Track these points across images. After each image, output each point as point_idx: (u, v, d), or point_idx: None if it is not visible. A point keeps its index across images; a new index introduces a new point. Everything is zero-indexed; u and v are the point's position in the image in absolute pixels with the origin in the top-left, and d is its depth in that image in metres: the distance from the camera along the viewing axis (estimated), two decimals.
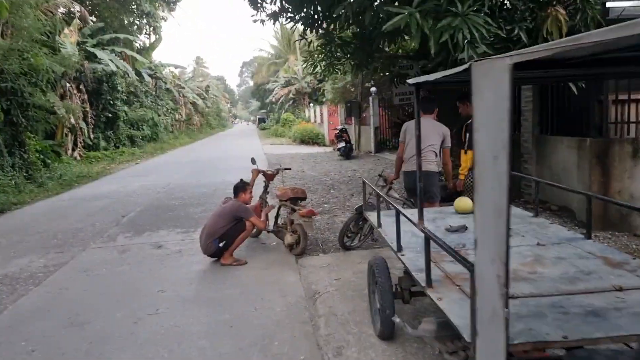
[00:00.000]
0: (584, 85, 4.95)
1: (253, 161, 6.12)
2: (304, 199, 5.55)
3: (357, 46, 7.46)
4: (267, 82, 54.59)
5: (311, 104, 38.73)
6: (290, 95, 42.28)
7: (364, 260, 4.81)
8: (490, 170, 1.29)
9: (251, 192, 5.52)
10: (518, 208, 3.85)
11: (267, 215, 6.04)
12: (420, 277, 2.16)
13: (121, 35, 22.89)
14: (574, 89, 4.76)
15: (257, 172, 5.94)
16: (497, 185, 1.25)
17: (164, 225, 7.39)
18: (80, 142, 18.74)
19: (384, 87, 18.20)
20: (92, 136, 19.68)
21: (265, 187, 6.07)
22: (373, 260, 3.04)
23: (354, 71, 8.03)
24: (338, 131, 17.01)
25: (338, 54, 7.83)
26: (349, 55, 7.83)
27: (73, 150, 18.31)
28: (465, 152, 4.73)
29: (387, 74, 8.03)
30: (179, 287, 4.51)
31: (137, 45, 28.95)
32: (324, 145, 24.83)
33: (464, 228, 2.85)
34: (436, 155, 4.75)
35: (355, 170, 12.61)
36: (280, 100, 44.29)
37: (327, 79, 21.19)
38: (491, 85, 1.25)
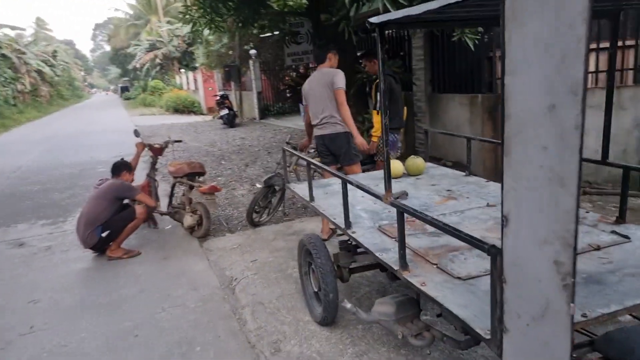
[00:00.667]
0: (476, 42, 5.04)
1: (136, 133, 5.21)
2: (203, 174, 4.89)
3: (242, 1, 6.74)
4: (127, 46, 49.31)
5: (182, 70, 36.08)
6: (157, 60, 38.81)
7: (279, 237, 4.43)
8: (540, 124, 0.97)
9: (133, 172, 4.71)
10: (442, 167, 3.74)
11: (156, 194, 5.27)
12: (388, 258, 1.83)
13: None
14: (470, 44, 4.80)
15: (142, 146, 5.07)
16: (560, 144, 0.93)
17: (21, 217, 6.09)
18: None
19: (263, 49, 17.46)
20: None
21: (153, 164, 5.24)
22: (307, 239, 2.66)
23: (239, 29, 7.31)
24: (219, 97, 15.97)
25: (220, 9, 7.02)
26: (232, 12, 7.07)
27: None
28: (378, 113, 4.51)
29: (276, 32, 7.47)
30: (57, 294, 3.65)
31: None
32: (202, 113, 23.39)
33: (404, 194, 2.60)
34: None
35: (244, 139, 11.95)
36: (146, 67, 40.44)
37: (199, 41, 19.66)
38: (549, 7, 0.90)
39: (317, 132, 4.37)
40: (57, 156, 11.27)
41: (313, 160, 2.71)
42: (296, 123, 14.06)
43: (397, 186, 2.85)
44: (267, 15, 7.15)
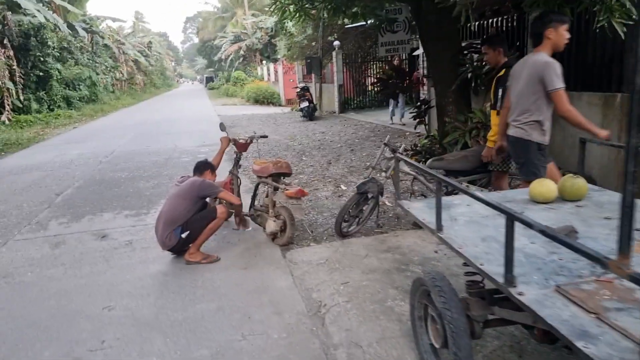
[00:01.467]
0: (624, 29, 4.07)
1: (222, 127, 4.88)
2: (289, 174, 4.45)
3: None
4: (214, 38, 51.33)
5: (263, 61, 36.64)
6: (241, 52, 39.85)
7: (371, 253, 3.86)
8: None
9: (215, 173, 4.39)
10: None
11: (238, 193, 4.92)
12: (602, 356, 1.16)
13: None
14: (619, 31, 3.87)
15: (227, 140, 4.74)
16: None
17: (108, 206, 6.08)
18: (9, 105, 16.44)
19: (346, 41, 16.92)
20: (22, 97, 17.35)
21: (237, 160, 4.90)
22: (429, 279, 2.06)
23: (330, 17, 6.80)
24: (300, 89, 15.70)
25: None
26: None
27: (0, 113, 16.03)
28: (498, 113, 3.74)
29: (369, 21, 6.87)
30: (132, 301, 3.37)
31: None
32: (280, 105, 23.42)
33: (572, 231, 1.90)
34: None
35: (324, 133, 11.52)
36: (230, 58, 41.74)
37: (282, 33, 19.55)
38: None
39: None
40: (145, 143, 11.58)
41: (445, 178, 2.08)
42: (378, 118, 13.40)
43: (552, 216, 2.14)
44: (361, 1, 6.57)
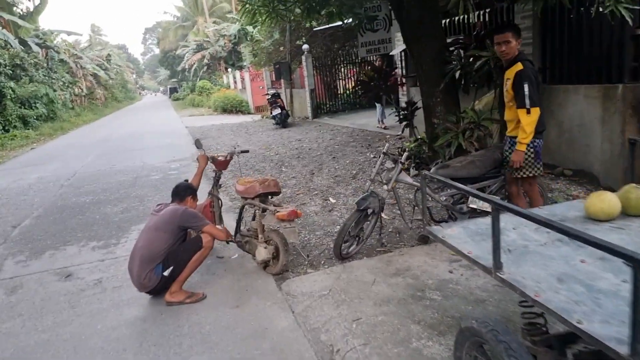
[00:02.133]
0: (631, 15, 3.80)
1: (198, 144, 4.37)
2: (278, 193, 3.97)
3: None
4: (175, 48, 50.11)
5: (229, 69, 35.87)
6: (205, 61, 38.96)
7: (379, 278, 3.43)
8: None
9: (196, 196, 3.88)
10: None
11: (220, 216, 4.42)
12: None
13: None
14: (627, 18, 3.59)
15: (205, 159, 4.23)
16: None
17: (72, 237, 5.44)
18: None
19: (315, 44, 16.55)
20: None
21: (217, 180, 4.40)
22: (486, 330, 1.63)
23: (305, 17, 6.37)
24: (270, 96, 15.18)
25: None
26: None
27: None
28: (529, 112, 3.32)
29: (346, 21, 6.46)
30: None
31: (18, 10, 24.44)
32: (250, 113, 22.83)
33: None
34: None
35: (300, 141, 11.05)
36: (194, 67, 40.74)
37: (245, 41, 19.01)
38: None
39: None
40: (110, 161, 10.83)
41: (502, 201, 1.66)
42: (354, 122, 13.05)
43: (626, 239, 1.76)
44: (336, 0, 6.16)
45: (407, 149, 4.23)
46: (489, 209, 3.64)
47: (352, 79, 17.35)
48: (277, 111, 14.40)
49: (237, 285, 3.67)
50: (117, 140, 15.49)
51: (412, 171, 3.80)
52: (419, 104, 6.32)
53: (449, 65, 5.57)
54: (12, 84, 19.79)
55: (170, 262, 3.42)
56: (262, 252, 3.71)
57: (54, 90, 25.50)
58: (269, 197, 3.97)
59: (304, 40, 15.73)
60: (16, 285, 4.20)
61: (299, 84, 17.45)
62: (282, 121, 14.39)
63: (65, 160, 11.97)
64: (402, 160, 3.78)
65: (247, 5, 6.36)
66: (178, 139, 14.25)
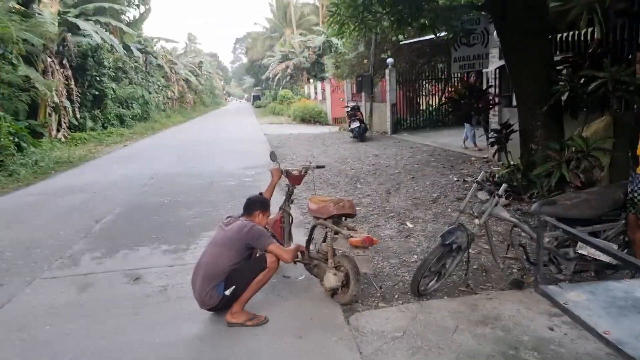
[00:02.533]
0: None
1: (273, 156, 4.19)
2: (352, 216, 3.66)
3: None
4: (262, 57, 52.08)
5: (311, 80, 36.43)
6: (288, 71, 39.97)
7: (462, 324, 2.98)
8: None
9: (268, 211, 3.65)
10: None
11: (289, 233, 4.19)
12: None
13: (106, 4, 20.50)
14: None
15: (279, 172, 4.04)
16: None
17: (146, 238, 5.51)
18: (65, 123, 16.84)
19: (399, 58, 16.15)
20: (78, 115, 17.72)
21: (289, 195, 4.18)
22: None
23: (394, 29, 6.05)
24: (350, 109, 14.98)
25: (374, 7, 5.83)
26: (388, 9, 5.84)
27: (57, 131, 16.43)
28: None
29: (439, 34, 6.05)
30: None
31: (125, 17, 26.61)
32: (327, 124, 22.84)
33: None
34: None
35: (378, 157, 10.68)
36: (277, 77, 41.96)
37: (329, 53, 19.06)
38: None
39: None
40: (191, 163, 11.18)
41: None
42: (435, 140, 12.44)
43: None
44: (430, 12, 5.78)
45: (498, 176, 3.72)
46: (603, 258, 3.05)
47: (436, 95, 16.68)
48: (356, 124, 14.14)
49: (302, 312, 3.39)
50: (200, 144, 16.10)
51: (502, 200, 3.34)
52: (515, 127, 5.72)
53: (555, 86, 4.95)
54: (113, 85, 21.47)
55: (233, 280, 3.22)
56: (332, 279, 3.40)
57: (149, 93, 27.41)
58: (343, 218, 3.66)
59: (389, 54, 15.39)
60: (88, 283, 4.25)
61: (379, 98, 17.11)
62: (360, 135, 14.11)
63: (151, 159, 12.58)
64: (500, 193, 3.28)
65: (336, 16, 6.18)
66: (255, 145, 14.49)
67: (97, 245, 5.33)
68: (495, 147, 5.90)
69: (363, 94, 17.51)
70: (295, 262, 3.97)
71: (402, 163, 9.43)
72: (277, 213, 4.24)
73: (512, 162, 5.77)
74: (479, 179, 3.47)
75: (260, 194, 3.85)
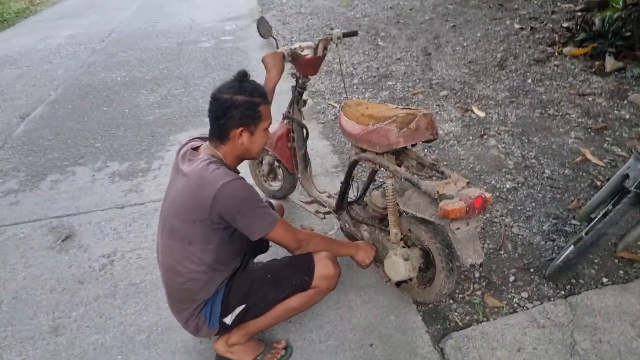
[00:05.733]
0: None
1: (263, 27, 2.10)
2: (433, 140, 1.88)
3: None
4: None
5: None
6: None
7: None
8: None
9: (268, 118, 1.69)
10: None
11: (304, 159, 2.49)
12: None
13: None
14: None
15: (279, 60, 2.01)
16: None
17: (88, 147, 3.78)
18: None
19: None
20: None
21: (299, 93, 2.33)
22: None
23: None
24: None
25: None
26: None
27: None
28: None
29: None
30: None
31: None
32: None
33: None
34: None
35: None
36: None
37: None
38: None
39: None
40: (153, 16, 8.70)
41: None
42: None
43: None
44: None
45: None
46: None
47: None
48: None
49: (347, 324, 1.88)
50: None
51: None
52: None
53: None
54: None
55: (238, 293, 1.61)
56: (400, 268, 1.81)
57: None
58: (412, 148, 1.91)
59: None
60: None
61: None
62: None
63: (105, 11, 9.94)
64: None
65: None
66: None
67: (15, 165, 3.61)
68: None
69: None
70: (322, 216, 2.35)
71: (431, 2, 7.09)
72: (280, 124, 2.45)
73: None
74: None
75: (244, 75, 1.59)
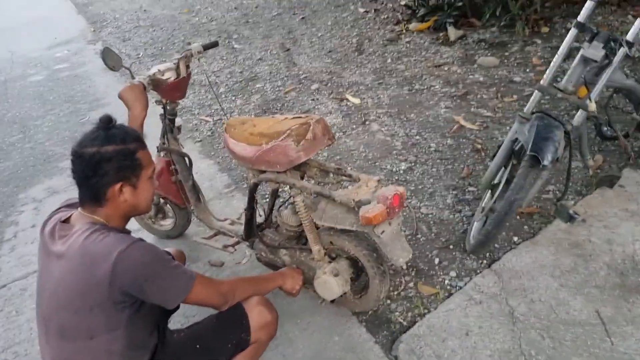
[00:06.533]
0: None
1: (111, 59, 1.70)
2: (330, 144, 1.74)
3: None
4: None
5: None
6: None
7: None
8: None
9: (151, 163, 1.37)
10: None
11: (194, 190, 2.21)
12: None
13: None
14: None
15: (139, 92, 1.67)
16: None
17: None
18: None
19: None
20: None
21: (170, 119, 2.04)
22: None
23: None
24: None
25: None
26: None
27: None
28: None
29: None
30: None
31: None
32: None
33: None
34: None
35: None
36: None
37: None
38: None
39: None
40: None
41: None
42: None
43: None
44: None
45: None
46: None
47: None
48: None
49: (295, 357, 1.70)
50: None
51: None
52: None
53: None
54: None
55: None
56: (332, 286, 1.69)
57: None
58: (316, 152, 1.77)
59: None
60: None
61: None
62: None
63: None
64: (631, 40, 1.64)
65: None
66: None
67: None
68: None
69: None
70: (232, 248, 2.11)
71: None
72: (157, 158, 2.14)
73: None
74: (580, 19, 1.75)
75: (108, 120, 1.27)
